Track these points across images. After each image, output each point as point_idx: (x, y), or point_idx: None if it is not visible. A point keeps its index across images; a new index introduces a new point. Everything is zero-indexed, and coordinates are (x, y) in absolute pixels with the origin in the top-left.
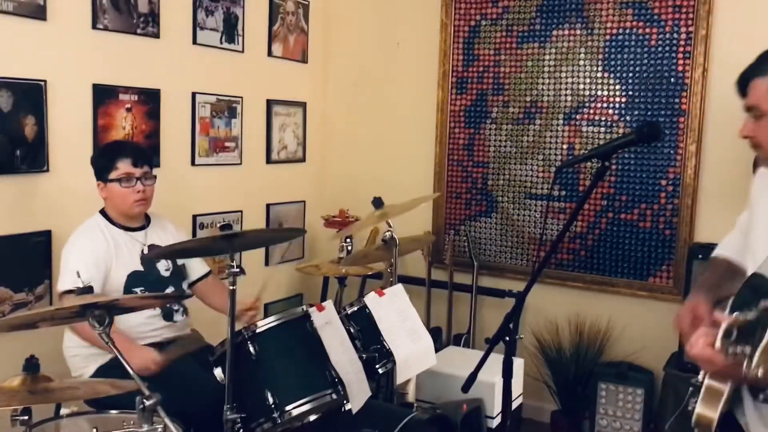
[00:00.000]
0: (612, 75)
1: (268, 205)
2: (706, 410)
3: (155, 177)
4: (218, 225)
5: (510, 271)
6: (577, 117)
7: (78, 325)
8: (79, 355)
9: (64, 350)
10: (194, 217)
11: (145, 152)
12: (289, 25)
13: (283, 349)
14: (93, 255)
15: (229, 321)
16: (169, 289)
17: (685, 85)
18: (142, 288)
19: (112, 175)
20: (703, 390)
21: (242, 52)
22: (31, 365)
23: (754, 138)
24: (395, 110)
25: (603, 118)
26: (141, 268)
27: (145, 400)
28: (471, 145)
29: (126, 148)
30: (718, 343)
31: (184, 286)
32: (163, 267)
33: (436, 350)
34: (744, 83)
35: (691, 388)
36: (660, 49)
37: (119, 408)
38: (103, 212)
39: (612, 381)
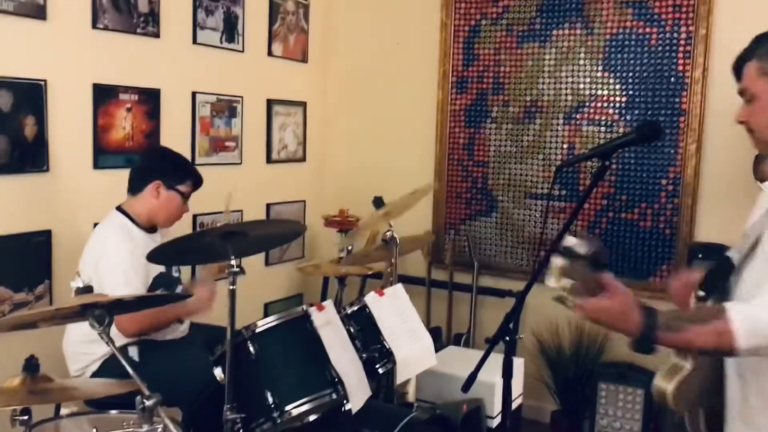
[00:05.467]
0: (612, 75)
1: (268, 205)
2: (662, 382)
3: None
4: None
5: (510, 271)
6: (577, 116)
7: (138, 314)
8: (81, 351)
9: (64, 346)
10: (194, 216)
11: None
12: (289, 25)
13: (282, 348)
14: (139, 259)
15: (229, 321)
16: (178, 289)
17: (685, 85)
18: (163, 288)
19: (181, 188)
20: (668, 366)
21: (242, 51)
22: (31, 365)
23: (747, 122)
24: (395, 110)
25: (603, 118)
26: (163, 269)
27: (145, 400)
28: (471, 145)
29: (196, 172)
30: None
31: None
32: (174, 268)
33: (436, 350)
34: (738, 67)
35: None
36: (660, 48)
37: (119, 408)
38: (122, 211)
39: (612, 381)
